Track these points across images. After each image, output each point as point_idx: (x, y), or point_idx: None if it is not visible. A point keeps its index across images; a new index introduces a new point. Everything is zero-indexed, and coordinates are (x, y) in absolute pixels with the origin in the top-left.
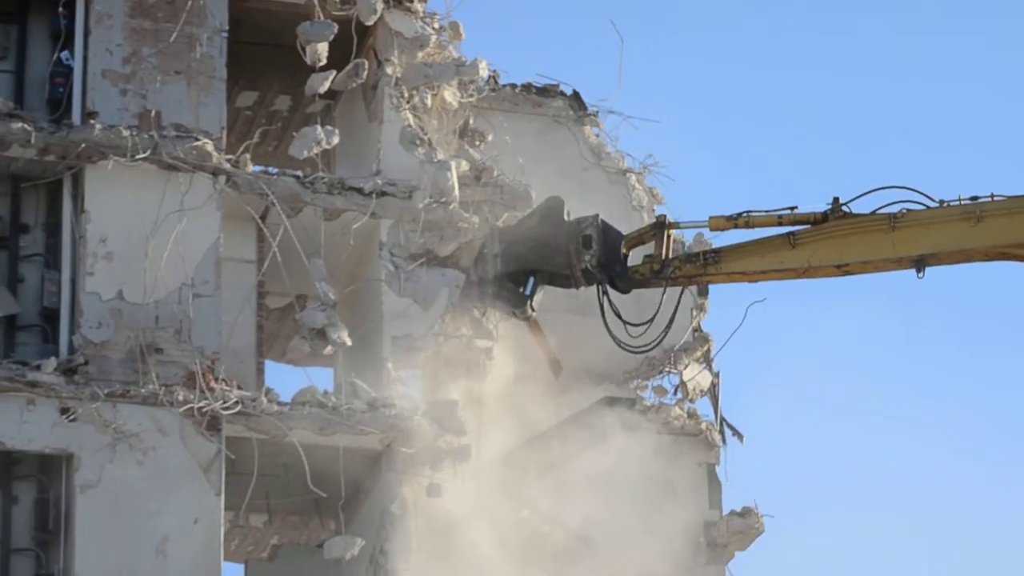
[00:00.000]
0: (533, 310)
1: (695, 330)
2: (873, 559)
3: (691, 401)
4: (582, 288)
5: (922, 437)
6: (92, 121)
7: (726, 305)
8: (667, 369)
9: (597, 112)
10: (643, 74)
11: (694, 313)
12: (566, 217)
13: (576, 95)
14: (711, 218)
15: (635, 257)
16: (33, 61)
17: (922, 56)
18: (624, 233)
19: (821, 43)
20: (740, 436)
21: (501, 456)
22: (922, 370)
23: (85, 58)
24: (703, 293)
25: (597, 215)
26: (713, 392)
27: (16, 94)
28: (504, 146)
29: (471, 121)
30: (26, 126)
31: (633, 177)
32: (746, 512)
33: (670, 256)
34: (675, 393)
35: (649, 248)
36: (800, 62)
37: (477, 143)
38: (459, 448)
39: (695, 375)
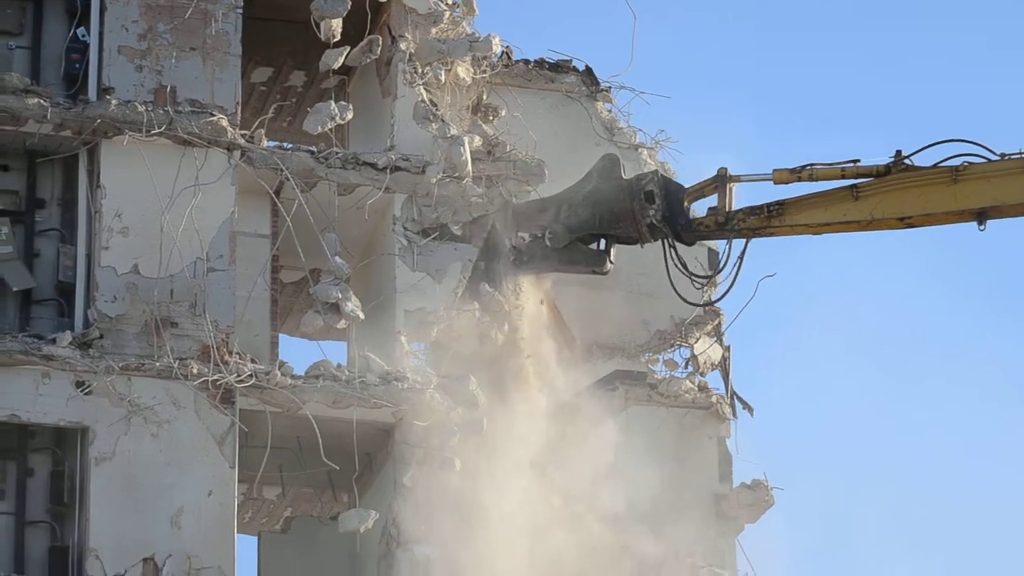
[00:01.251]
0: (612, 262)
1: (706, 304)
2: (884, 531)
3: (702, 374)
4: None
5: (935, 411)
6: (108, 97)
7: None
8: (678, 343)
9: (609, 88)
10: (655, 50)
11: (705, 287)
12: (623, 175)
13: (588, 71)
14: (775, 171)
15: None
16: (49, 37)
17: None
18: (684, 187)
19: (835, 19)
20: (750, 409)
21: (513, 429)
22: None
23: (101, 34)
24: (714, 267)
25: (656, 171)
26: (724, 365)
27: (32, 70)
28: (516, 121)
29: (484, 97)
30: (42, 102)
31: (645, 152)
32: (756, 484)
33: (734, 208)
34: (686, 367)
35: (711, 201)
36: (812, 36)
37: (490, 118)
38: (471, 421)
39: (706, 349)
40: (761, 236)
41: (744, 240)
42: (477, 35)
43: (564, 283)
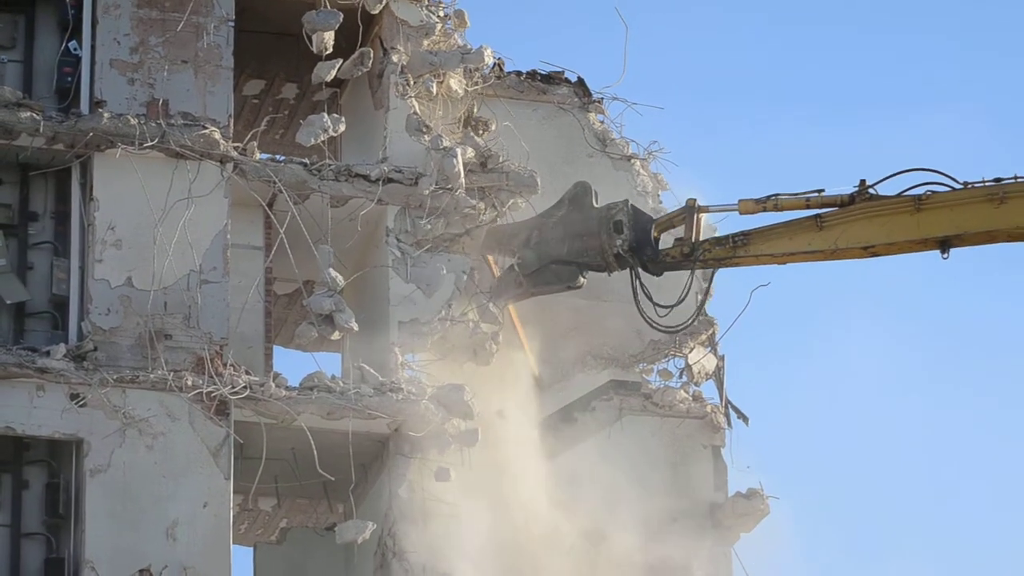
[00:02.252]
0: (584, 278)
1: (700, 313)
2: (879, 541)
3: (696, 384)
4: (615, 273)
5: (929, 420)
6: (100, 110)
7: (731, 288)
8: (672, 352)
9: (602, 99)
10: (648, 61)
11: (699, 297)
12: (595, 203)
13: (580, 82)
14: (740, 201)
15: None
16: (41, 51)
17: (930, 38)
18: (653, 217)
19: (827, 27)
20: (745, 418)
21: (508, 440)
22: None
23: (93, 47)
24: (707, 277)
25: (627, 200)
26: (718, 375)
27: (25, 83)
28: (509, 133)
29: (475, 110)
30: (35, 115)
31: (638, 163)
32: (751, 494)
33: (700, 239)
34: (680, 376)
35: (679, 232)
36: (805, 46)
37: (481, 132)
38: (466, 432)
39: (700, 359)
40: (727, 266)
41: (711, 271)
42: (469, 47)
43: (557, 295)
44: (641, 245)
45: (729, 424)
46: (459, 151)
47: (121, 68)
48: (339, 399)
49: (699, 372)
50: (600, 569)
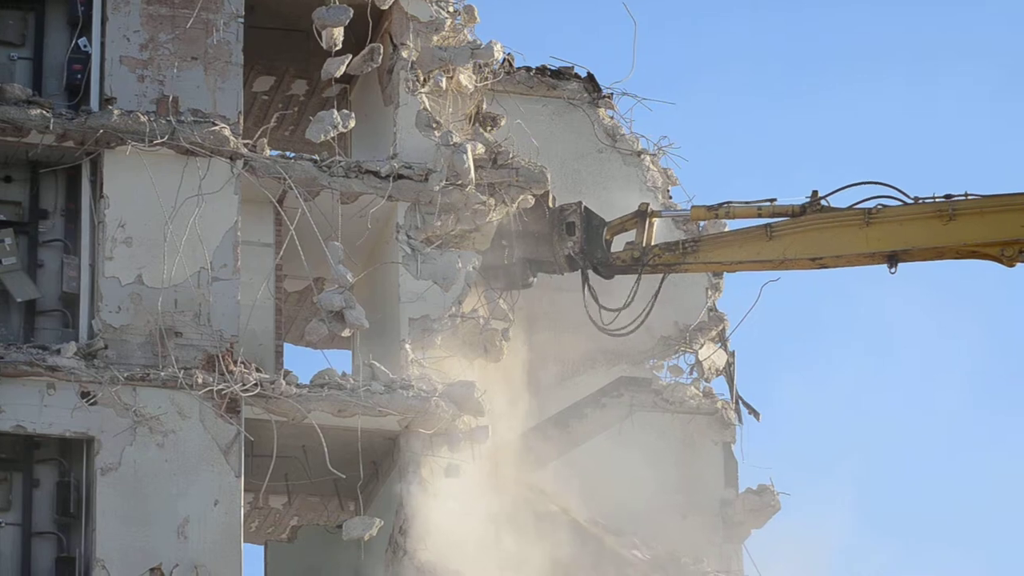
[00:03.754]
0: (534, 277)
1: (710, 309)
2: (889, 538)
3: (707, 380)
4: (565, 273)
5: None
6: (110, 107)
7: (741, 284)
8: (683, 349)
9: (611, 94)
10: (658, 57)
11: (709, 293)
12: (552, 205)
13: (590, 77)
14: (693, 207)
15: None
16: (51, 48)
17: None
18: (607, 221)
19: (836, 22)
20: (756, 414)
21: (518, 437)
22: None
23: (102, 44)
24: (718, 272)
25: (580, 202)
26: (728, 371)
27: (34, 81)
28: (519, 129)
29: (484, 105)
30: (44, 112)
31: (648, 159)
32: (762, 490)
33: (651, 244)
34: (691, 372)
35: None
36: (815, 41)
37: (489, 128)
38: (477, 429)
39: (710, 354)
40: (676, 271)
41: (660, 275)
42: (479, 42)
43: (566, 289)
44: (592, 248)
45: (740, 420)
46: (469, 147)
47: (131, 65)
48: (350, 396)
49: (709, 368)
50: (610, 565)
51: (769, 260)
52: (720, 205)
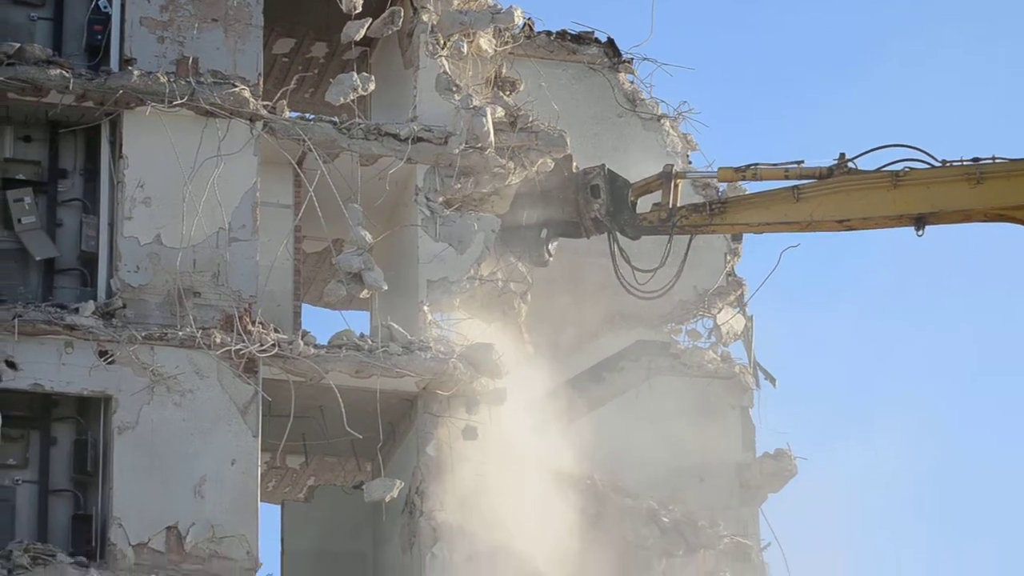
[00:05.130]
0: (550, 255)
1: (729, 274)
2: (905, 502)
3: (724, 345)
4: (592, 237)
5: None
6: (130, 68)
7: (760, 248)
8: (701, 313)
9: (632, 59)
10: (678, 22)
11: (728, 257)
12: (574, 169)
13: (611, 42)
14: (720, 169)
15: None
16: (71, 8)
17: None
18: (631, 182)
19: None
20: (773, 379)
21: (536, 398)
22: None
23: (123, 5)
24: (737, 237)
25: (603, 165)
26: (746, 336)
27: (54, 41)
28: (539, 93)
29: (504, 69)
30: (64, 72)
31: (667, 123)
32: (779, 454)
33: (678, 204)
34: (709, 337)
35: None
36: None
37: (509, 91)
38: (495, 391)
39: (729, 319)
40: (703, 233)
41: (688, 236)
42: (499, 6)
43: (584, 253)
44: (618, 209)
45: (757, 384)
46: (489, 110)
47: (151, 26)
48: (367, 357)
49: (728, 332)
50: (626, 527)
51: (796, 222)
52: (747, 167)
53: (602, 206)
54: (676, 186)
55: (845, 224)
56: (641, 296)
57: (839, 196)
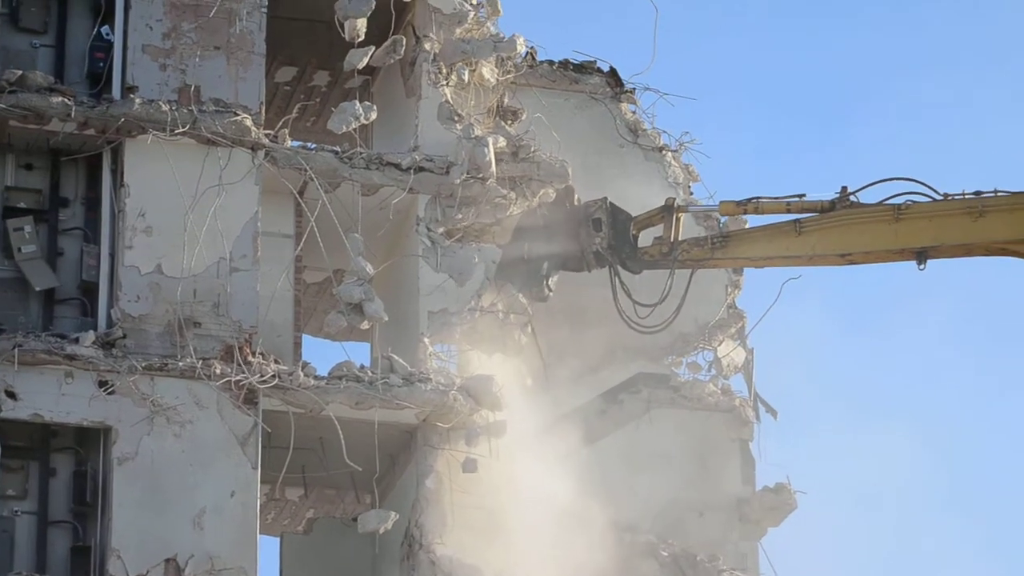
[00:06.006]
0: (550, 290)
1: (729, 307)
2: (904, 536)
3: (725, 377)
4: (594, 271)
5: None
6: (132, 95)
7: (761, 281)
8: (701, 345)
9: (634, 89)
10: (681, 52)
11: (728, 289)
12: (576, 202)
13: (613, 72)
14: (722, 203)
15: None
16: (73, 35)
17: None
18: (633, 215)
19: (867, 14)
20: (774, 412)
21: (536, 431)
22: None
23: (125, 33)
24: (738, 269)
25: (606, 198)
26: (747, 368)
27: (56, 68)
28: (540, 123)
29: (506, 99)
30: (66, 100)
31: (669, 154)
32: (779, 488)
33: (679, 238)
34: (709, 369)
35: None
36: (837, 37)
37: (510, 121)
38: (495, 423)
39: (729, 351)
40: (705, 267)
41: (690, 270)
42: (501, 35)
43: (585, 284)
44: (620, 243)
45: (757, 418)
46: (490, 140)
47: (153, 54)
48: (367, 389)
49: (728, 365)
50: (626, 562)
51: (798, 256)
52: (749, 200)
53: (603, 239)
54: (678, 220)
55: (847, 258)
56: (642, 331)
57: (841, 230)
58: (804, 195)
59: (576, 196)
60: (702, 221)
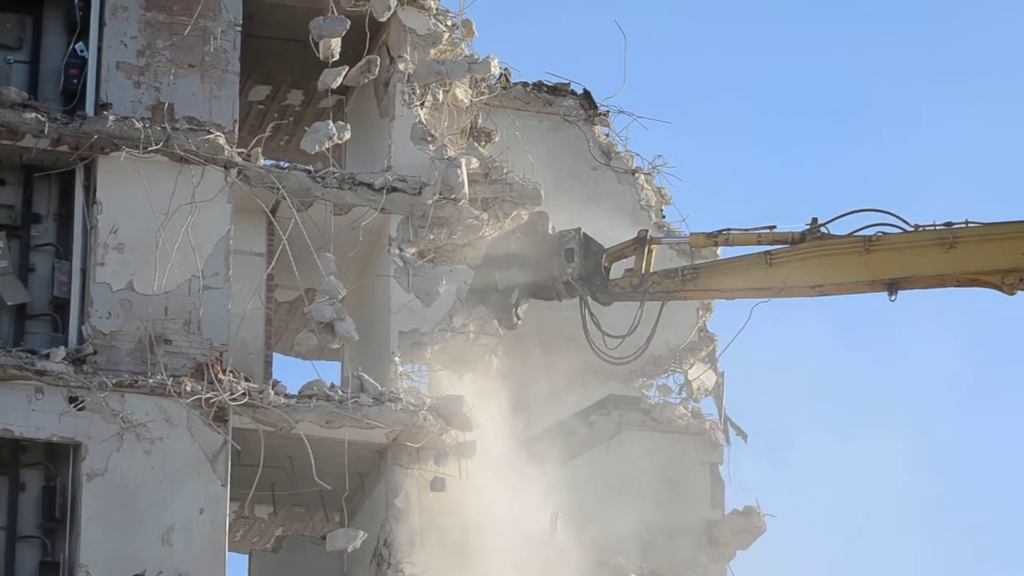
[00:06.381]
0: (519, 318)
1: (700, 330)
2: (872, 560)
3: (695, 400)
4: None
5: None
6: (105, 112)
7: (732, 304)
8: (672, 368)
9: (608, 112)
10: (654, 74)
11: (700, 313)
12: (549, 231)
13: (587, 94)
14: (692, 235)
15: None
16: (48, 52)
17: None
18: (606, 247)
19: (833, 37)
20: (744, 435)
21: (506, 452)
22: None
23: (99, 50)
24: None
25: (579, 229)
26: (717, 392)
27: (30, 84)
28: (514, 144)
29: (479, 120)
30: (39, 116)
31: (642, 177)
32: (748, 511)
33: (650, 271)
34: (680, 392)
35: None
36: (811, 56)
37: (484, 142)
38: (464, 443)
39: (700, 375)
40: (675, 299)
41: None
42: (476, 57)
43: (557, 308)
44: (591, 274)
45: (727, 441)
46: (463, 161)
47: (127, 71)
48: (338, 408)
49: (698, 388)
50: None
51: (769, 288)
52: (719, 232)
53: (575, 270)
54: (650, 251)
55: (818, 289)
56: (611, 362)
57: (812, 262)
58: (775, 227)
59: (550, 224)
60: (674, 246)
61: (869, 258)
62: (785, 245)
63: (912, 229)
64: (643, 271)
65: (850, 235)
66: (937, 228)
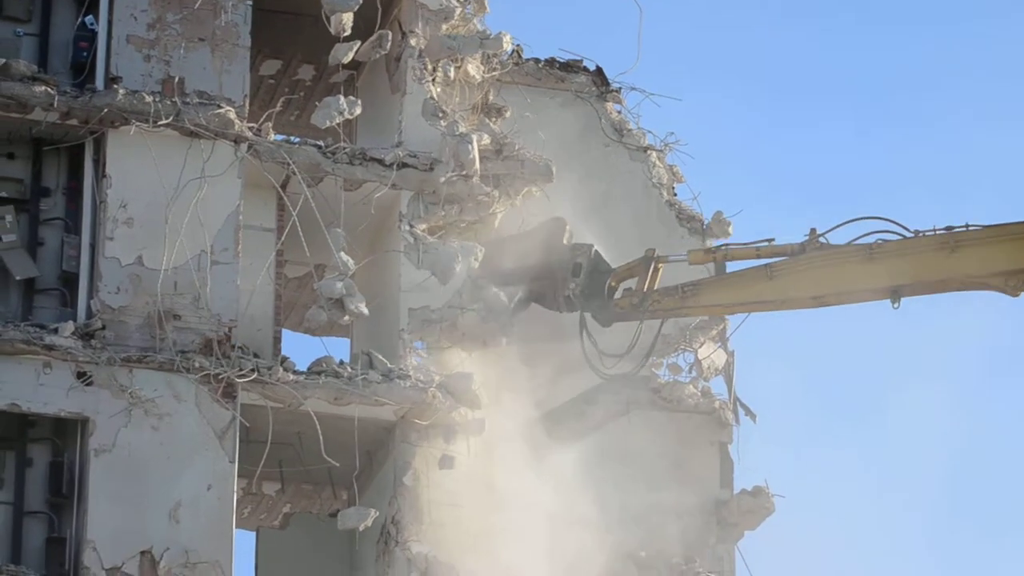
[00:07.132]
0: (518, 318)
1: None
2: (882, 541)
3: (705, 380)
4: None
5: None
6: (115, 86)
7: None
8: (682, 347)
9: (620, 88)
10: (667, 51)
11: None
12: (565, 240)
13: (599, 71)
14: (690, 252)
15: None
16: (57, 25)
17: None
18: (613, 268)
19: (848, 15)
20: (753, 415)
21: (514, 431)
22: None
23: (110, 23)
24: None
25: (592, 246)
26: (727, 371)
27: (40, 58)
28: (525, 121)
29: (491, 96)
30: (49, 90)
31: (654, 154)
32: (757, 492)
33: (653, 289)
34: (689, 371)
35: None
36: (826, 34)
37: (494, 119)
38: (473, 421)
39: (710, 354)
40: (676, 316)
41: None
42: (488, 32)
43: None
44: (593, 293)
45: (737, 420)
46: (475, 137)
47: (137, 44)
48: (346, 384)
49: (708, 367)
50: (604, 563)
51: (771, 301)
52: (718, 248)
53: (577, 287)
54: (656, 270)
55: (819, 300)
56: (606, 377)
57: (813, 272)
58: (773, 239)
59: (567, 232)
60: (685, 223)
61: (871, 266)
62: (784, 257)
63: (912, 235)
64: (647, 289)
65: (850, 243)
66: (938, 232)
